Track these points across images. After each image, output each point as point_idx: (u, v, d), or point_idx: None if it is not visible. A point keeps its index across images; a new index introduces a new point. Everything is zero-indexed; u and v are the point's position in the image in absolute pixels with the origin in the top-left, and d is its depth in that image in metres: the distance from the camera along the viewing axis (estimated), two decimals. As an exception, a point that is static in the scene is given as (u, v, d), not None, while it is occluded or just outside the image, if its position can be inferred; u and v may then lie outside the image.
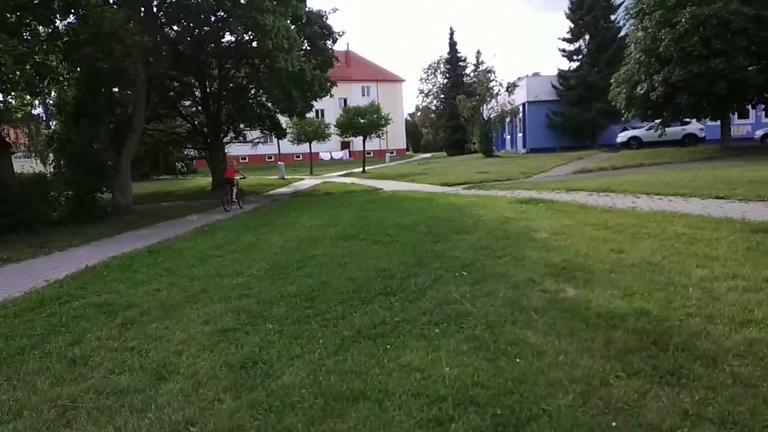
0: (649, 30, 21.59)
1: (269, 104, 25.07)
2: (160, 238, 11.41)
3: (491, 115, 39.19)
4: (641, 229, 7.91)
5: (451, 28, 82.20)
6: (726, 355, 3.42)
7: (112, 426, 3.20)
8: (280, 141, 37.77)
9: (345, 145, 65.36)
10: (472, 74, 60.29)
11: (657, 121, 24.55)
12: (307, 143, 38.70)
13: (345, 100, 62.11)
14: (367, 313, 4.93)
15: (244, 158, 63.70)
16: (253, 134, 35.03)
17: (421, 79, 73.57)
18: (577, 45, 37.57)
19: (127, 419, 3.26)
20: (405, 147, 77.23)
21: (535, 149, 36.91)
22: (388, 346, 4.05)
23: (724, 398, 2.92)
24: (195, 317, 5.32)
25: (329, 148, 62.27)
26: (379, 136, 35.99)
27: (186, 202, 21.27)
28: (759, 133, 28.74)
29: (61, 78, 18.25)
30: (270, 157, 63.16)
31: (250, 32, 15.95)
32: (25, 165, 28.18)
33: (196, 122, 27.06)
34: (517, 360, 3.61)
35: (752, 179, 12.72)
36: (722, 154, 21.89)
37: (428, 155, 67.01)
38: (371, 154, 65.74)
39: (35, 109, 33.48)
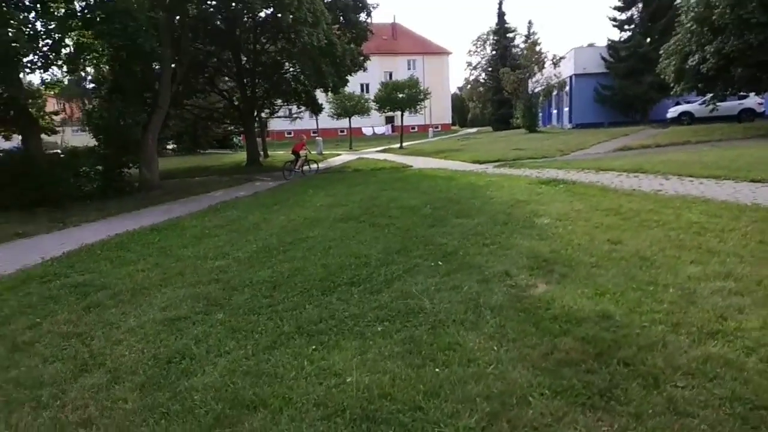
0: (703, -4, 20.00)
1: (303, 79, 24.89)
2: (174, 215, 11.51)
3: (535, 89, 37.73)
4: (653, 215, 7.32)
5: (500, -3, 79.16)
6: (673, 375, 3.01)
7: (5, 423, 3.12)
8: (321, 116, 37.75)
9: (389, 120, 64.76)
10: (522, 45, 58.24)
11: (709, 95, 22.91)
12: (348, 118, 38.52)
13: (390, 74, 61.28)
14: (320, 305, 4.70)
15: (289, 133, 64.33)
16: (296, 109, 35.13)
17: (469, 52, 71.65)
18: (629, 14, 35.33)
19: (24, 417, 3.17)
20: (451, 122, 75.83)
21: (582, 125, 35.38)
22: (319, 346, 3.81)
23: (646, 430, 2.54)
24: (157, 302, 5.24)
25: (373, 123, 61.89)
26: (417, 111, 35.30)
27: (219, 177, 21.51)
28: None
29: (96, 54, 18.66)
30: (315, 132, 63.44)
31: (269, 6, 15.66)
32: (83, 139, 29.19)
33: (234, 98, 27.22)
34: (442, 368, 3.30)
35: (801, 160, 11.71)
36: (780, 131, 20.29)
37: (473, 130, 65.71)
38: (415, 129, 65.12)
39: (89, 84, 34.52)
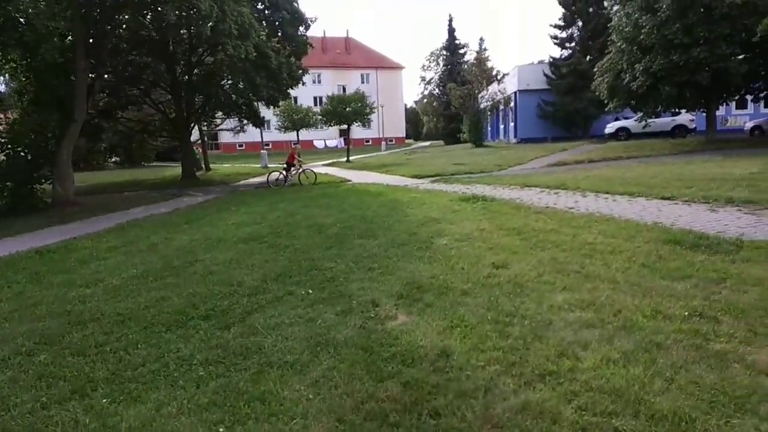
0: (632, 16, 20.53)
1: (241, 91, 24.31)
2: (76, 234, 10.80)
3: (482, 105, 38.14)
4: (552, 236, 7.16)
5: (450, 15, 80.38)
6: (481, 429, 2.70)
7: None
8: (271, 129, 37.12)
9: (343, 133, 64.46)
10: (472, 60, 59.12)
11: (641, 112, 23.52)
12: (300, 131, 38.03)
13: (344, 87, 61.15)
14: (155, 344, 4.24)
15: (241, 146, 63.36)
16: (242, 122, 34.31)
17: (423, 66, 72.46)
18: (569, 32, 36.25)
19: None
20: (405, 135, 76.10)
21: (526, 139, 35.90)
22: (119, 397, 3.36)
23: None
24: (-13, 341, 4.68)
25: (326, 136, 61.49)
26: (364, 125, 35.12)
27: (149, 192, 20.65)
28: (749, 125, 26.94)
29: (14, 64, 17.80)
30: (267, 144, 62.57)
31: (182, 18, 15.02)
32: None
33: (170, 111, 26.35)
34: (237, 425, 2.91)
35: (715, 177, 11.93)
36: (705, 147, 20.88)
37: (426, 144, 66.10)
38: (369, 142, 65.14)
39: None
